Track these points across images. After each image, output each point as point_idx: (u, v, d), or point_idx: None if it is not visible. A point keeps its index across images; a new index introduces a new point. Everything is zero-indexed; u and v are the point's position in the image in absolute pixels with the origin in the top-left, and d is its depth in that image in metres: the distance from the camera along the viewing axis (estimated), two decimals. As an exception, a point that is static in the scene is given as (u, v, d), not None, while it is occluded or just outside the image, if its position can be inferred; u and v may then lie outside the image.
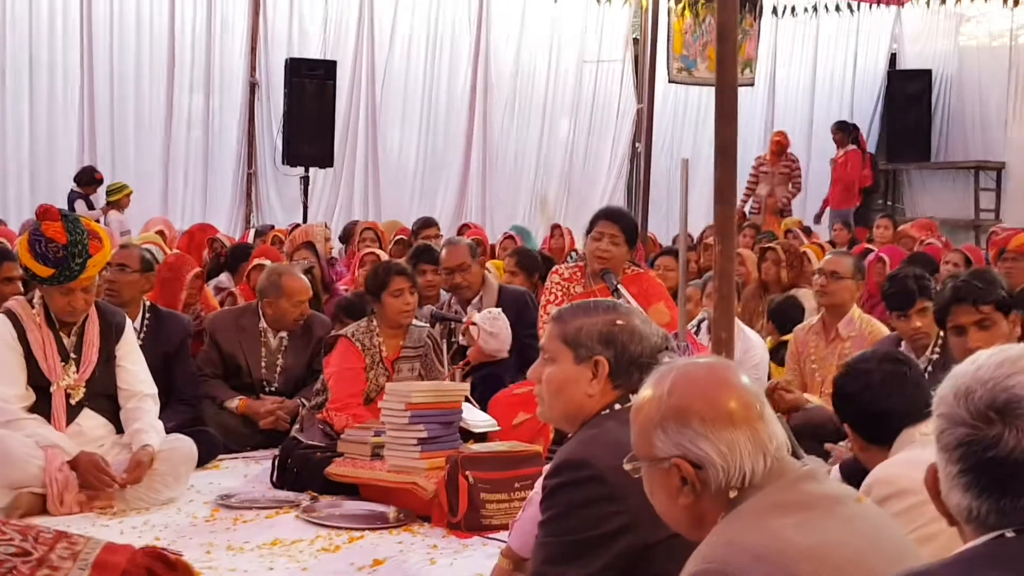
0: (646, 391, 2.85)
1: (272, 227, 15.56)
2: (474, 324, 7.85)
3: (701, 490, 2.73)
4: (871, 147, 23.18)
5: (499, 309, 8.17)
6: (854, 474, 5.95)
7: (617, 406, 3.55)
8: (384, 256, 10.00)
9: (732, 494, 2.70)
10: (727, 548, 2.58)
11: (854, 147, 19.96)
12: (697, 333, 8.07)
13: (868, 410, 4.23)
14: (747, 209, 18.40)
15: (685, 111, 21.32)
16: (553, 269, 8.10)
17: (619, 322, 3.59)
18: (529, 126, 19.96)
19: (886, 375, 4.26)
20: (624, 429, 3.43)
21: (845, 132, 20.17)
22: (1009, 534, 2.18)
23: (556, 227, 14.20)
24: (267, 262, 9.52)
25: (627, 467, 2.87)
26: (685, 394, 2.77)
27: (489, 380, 7.99)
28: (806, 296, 9.48)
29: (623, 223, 7.57)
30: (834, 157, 20.32)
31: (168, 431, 6.65)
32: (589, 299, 3.85)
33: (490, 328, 7.87)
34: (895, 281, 7.25)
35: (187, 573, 4.49)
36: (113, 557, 4.36)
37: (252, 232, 14.25)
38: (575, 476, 3.37)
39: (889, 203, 23.45)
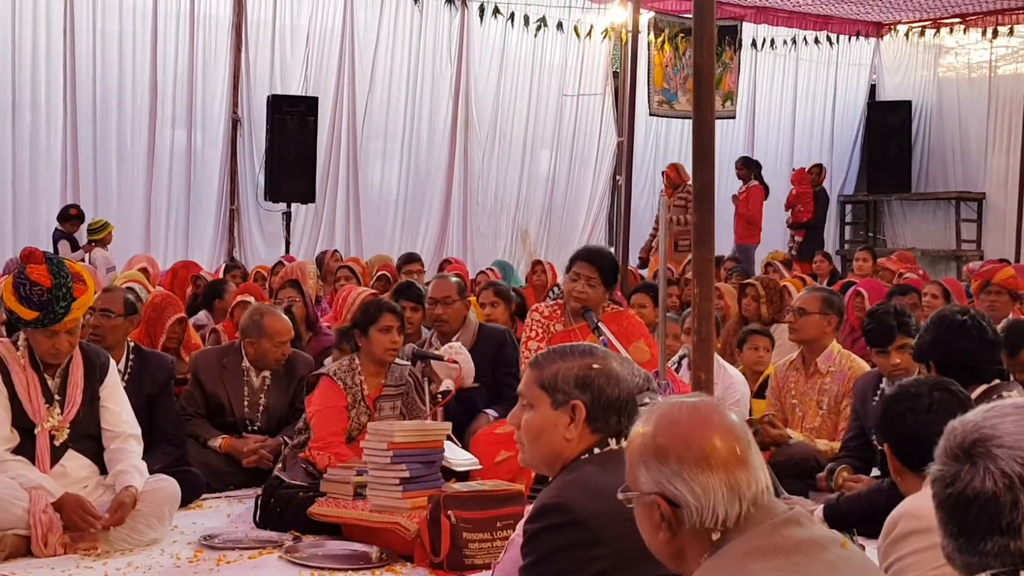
0: (638, 426, 2.90)
1: (225, 261, 15.68)
2: (455, 362, 7.88)
3: (677, 528, 2.76)
4: (850, 179, 23.32)
5: (460, 344, 8.23)
6: (837, 517, 6.02)
7: (596, 450, 3.56)
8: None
9: (715, 536, 2.72)
10: None
11: (756, 183, 19.82)
12: (678, 370, 8.10)
13: (910, 434, 4.18)
14: (654, 244, 17.88)
15: (667, 143, 21.41)
16: (533, 307, 8.12)
17: (595, 366, 3.61)
18: (510, 160, 20.00)
19: (934, 402, 4.27)
20: (604, 473, 3.46)
21: (749, 168, 20.05)
22: None
23: (538, 263, 14.21)
24: (251, 299, 9.53)
25: (620, 497, 2.90)
26: (666, 433, 2.80)
27: (463, 405, 8.03)
28: (785, 331, 9.52)
29: (601, 264, 7.59)
30: (736, 192, 20.10)
31: (152, 472, 6.65)
32: (566, 344, 3.86)
33: (454, 363, 7.92)
34: (875, 317, 7.32)
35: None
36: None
37: (223, 267, 14.26)
38: (554, 521, 3.38)
39: (870, 235, 23.54)
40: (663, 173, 18.76)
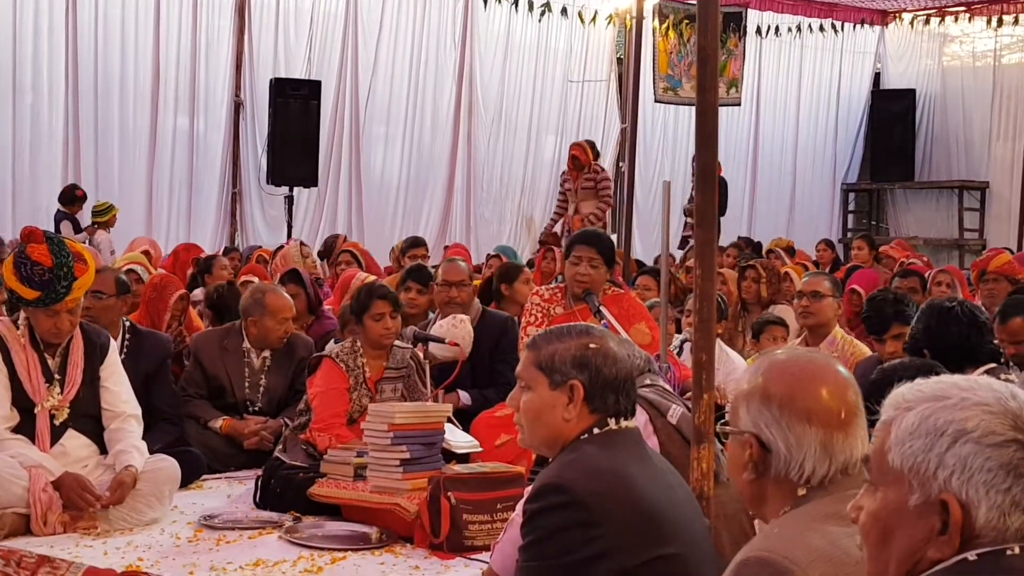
0: (752, 369, 2.97)
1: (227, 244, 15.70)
2: (456, 344, 7.87)
3: (763, 472, 2.83)
4: (854, 167, 23.28)
5: (464, 316, 8.24)
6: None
7: (596, 430, 3.55)
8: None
9: (801, 492, 2.79)
10: (785, 542, 2.66)
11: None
12: (680, 354, 8.09)
13: None
14: (557, 229, 16.49)
15: (676, 130, 21.38)
16: (533, 291, 8.13)
17: (592, 345, 3.60)
18: (514, 146, 20.01)
19: None
20: (603, 453, 3.47)
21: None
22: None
23: (549, 249, 14.16)
24: (255, 279, 9.53)
25: (718, 430, 3.03)
26: (776, 378, 2.86)
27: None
28: (784, 312, 9.51)
29: (600, 246, 7.61)
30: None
31: (152, 452, 6.65)
32: (563, 324, 3.86)
33: (449, 335, 7.92)
34: (872, 304, 7.32)
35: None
36: (95, 580, 4.38)
37: (221, 251, 14.27)
38: (553, 501, 3.38)
39: (873, 223, 23.54)
40: (570, 153, 16.88)
